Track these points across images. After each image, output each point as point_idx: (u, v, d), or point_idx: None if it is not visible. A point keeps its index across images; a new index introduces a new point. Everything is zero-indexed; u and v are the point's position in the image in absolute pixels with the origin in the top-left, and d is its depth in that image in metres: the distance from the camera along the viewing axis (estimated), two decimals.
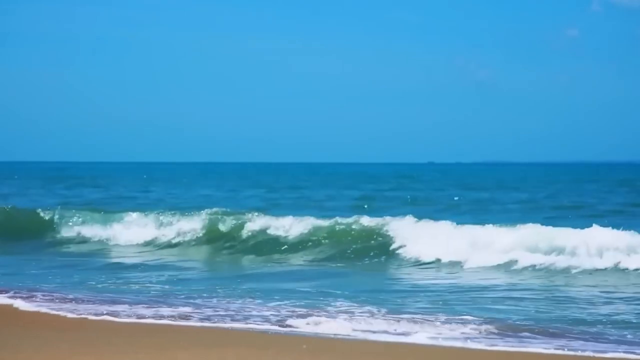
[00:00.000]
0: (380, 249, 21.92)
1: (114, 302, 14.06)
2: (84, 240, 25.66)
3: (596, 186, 56.27)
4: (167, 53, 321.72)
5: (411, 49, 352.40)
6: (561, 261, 19.08)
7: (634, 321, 12.76)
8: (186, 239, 24.78)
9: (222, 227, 24.81)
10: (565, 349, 10.64)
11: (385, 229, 22.54)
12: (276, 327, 11.91)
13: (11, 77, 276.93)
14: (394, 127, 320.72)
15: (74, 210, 27.83)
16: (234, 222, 24.86)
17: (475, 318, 12.57)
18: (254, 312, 13.14)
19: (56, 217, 27.25)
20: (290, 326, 12.03)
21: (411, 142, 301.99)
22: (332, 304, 13.90)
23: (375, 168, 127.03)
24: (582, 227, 20.08)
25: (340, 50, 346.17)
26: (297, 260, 21.78)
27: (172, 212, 26.62)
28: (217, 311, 13.24)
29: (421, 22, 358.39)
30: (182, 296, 14.89)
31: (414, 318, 12.58)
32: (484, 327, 11.91)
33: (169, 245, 24.55)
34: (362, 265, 20.70)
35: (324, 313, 12.91)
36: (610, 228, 19.82)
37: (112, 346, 10.14)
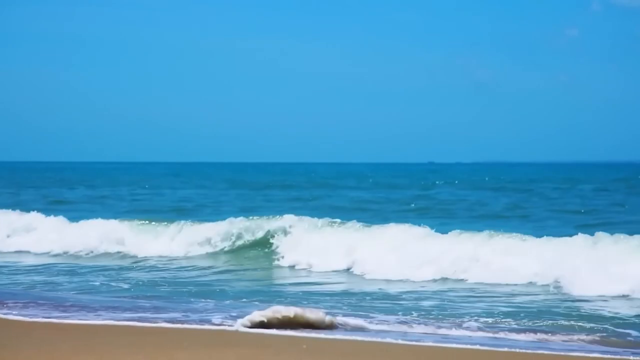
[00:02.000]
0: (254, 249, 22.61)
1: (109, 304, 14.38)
2: None
3: (582, 187, 56.28)
4: (167, 53, 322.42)
5: (412, 49, 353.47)
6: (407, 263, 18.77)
7: None
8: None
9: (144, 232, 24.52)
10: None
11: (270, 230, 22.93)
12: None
13: (11, 77, 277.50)
14: (394, 127, 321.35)
15: None
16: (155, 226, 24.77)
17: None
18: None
19: None
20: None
21: (411, 142, 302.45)
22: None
23: (374, 168, 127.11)
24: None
25: (341, 51, 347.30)
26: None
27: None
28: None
29: (422, 22, 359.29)
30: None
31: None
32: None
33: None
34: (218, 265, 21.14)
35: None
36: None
37: (112, 346, 10.18)
